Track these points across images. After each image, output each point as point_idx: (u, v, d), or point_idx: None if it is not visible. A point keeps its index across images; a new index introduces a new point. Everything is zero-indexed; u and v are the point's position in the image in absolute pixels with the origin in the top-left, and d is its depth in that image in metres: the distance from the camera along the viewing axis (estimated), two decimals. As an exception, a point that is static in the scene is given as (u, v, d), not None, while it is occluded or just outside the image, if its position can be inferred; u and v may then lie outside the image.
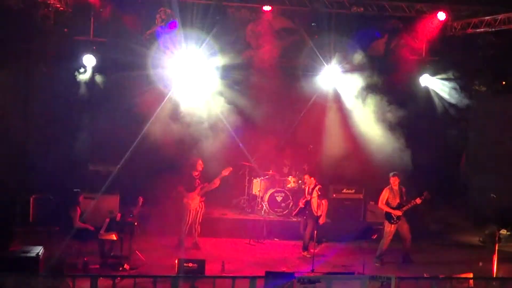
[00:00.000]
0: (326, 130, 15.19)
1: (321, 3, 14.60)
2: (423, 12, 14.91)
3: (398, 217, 12.29)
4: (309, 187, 12.85)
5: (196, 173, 12.89)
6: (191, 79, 14.84)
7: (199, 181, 12.86)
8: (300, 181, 14.93)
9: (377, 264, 12.29)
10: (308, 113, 15.20)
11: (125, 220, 11.66)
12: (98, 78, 14.57)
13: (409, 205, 12.29)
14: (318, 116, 15.14)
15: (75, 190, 11.93)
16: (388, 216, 12.37)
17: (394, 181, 12.41)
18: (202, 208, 12.92)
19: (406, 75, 15.23)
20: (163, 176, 13.37)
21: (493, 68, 15.59)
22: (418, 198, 12.23)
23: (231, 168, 12.97)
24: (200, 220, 12.94)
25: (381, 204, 12.49)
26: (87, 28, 14.35)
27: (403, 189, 12.49)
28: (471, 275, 10.39)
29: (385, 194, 12.45)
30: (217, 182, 12.88)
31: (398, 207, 12.30)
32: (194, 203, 12.79)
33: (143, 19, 14.60)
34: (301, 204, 12.98)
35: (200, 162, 12.91)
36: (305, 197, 12.88)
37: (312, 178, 12.84)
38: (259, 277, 8.68)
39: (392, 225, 12.32)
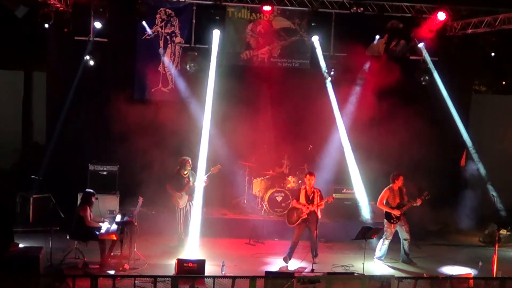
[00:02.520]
0: (327, 130, 15.17)
1: (321, 3, 14.61)
2: (423, 12, 14.91)
3: (398, 217, 12.30)
4: (309, 192, 12.17)
5: (186, 172, 12.91)
6: (192, 79, 14.85)
7: (187, 180, 12.88)
8: (300, 181, 14.92)
9: (377, 263, 12.29)
10: (308, 113, 15.20)
11: (125, 220, 11.67)
12: (98, 78, 14.55)
13: (409, 205, 12.29)
14: (318, 116, 15.13)
15: (87, 190, 11.94)
16: (388, 216, 12.37)
17: (398, 181, 12.38)
18: (192, 207, 12.92)
19: (406, 75, 15.21)
20: (163, 176, 13.38)
21: (493, 68, 15.58)
22: (419, 199, 12.21)
23: (219, 166, 12.98)
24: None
25: (380, 203, 12.48)
26: (87, 28, 14.35)
27: (404, 189, 12.48)
28: (471, 275, 10.40)
29: (384, 194, 12.44)
30: (206, 180, 12.89)
31: (397, 207, 12.31)
32: (183, 201, 12.83)
33: (143, 19, 14.58)
34: (304, 215, 12.08)
35: (189, 162, 12.93)
36: (307, 206, 12.04)
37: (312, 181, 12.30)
38: (259, 277, 8.68)
39: (392, 225, 12.32)
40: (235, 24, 15.16)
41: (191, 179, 12.93)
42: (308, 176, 12.27)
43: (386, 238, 12.37)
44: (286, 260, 12.04)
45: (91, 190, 11.93)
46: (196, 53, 14.62)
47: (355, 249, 12.73)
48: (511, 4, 13.75)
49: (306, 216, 12.02)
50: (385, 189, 12.49)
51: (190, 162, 12.95)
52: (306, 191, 12.18)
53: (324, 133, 15.12)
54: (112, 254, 11.49)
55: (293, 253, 12.09)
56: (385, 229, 12.39)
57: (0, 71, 16.21)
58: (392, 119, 14.90)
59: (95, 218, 11.89)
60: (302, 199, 12.15)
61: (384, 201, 12.41)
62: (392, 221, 12.30)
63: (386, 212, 12.40)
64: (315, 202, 12.00)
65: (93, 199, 11.86)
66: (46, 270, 10.49)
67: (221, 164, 13.16)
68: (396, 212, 12.25)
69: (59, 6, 13.49)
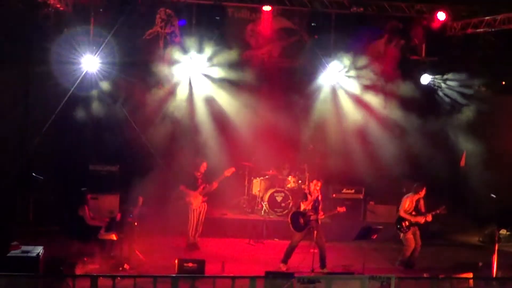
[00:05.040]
0: (327, 130, 15.18)
1: (321, 3, 14.61)
2: (423, 12, 14.92)
3: (408, 227, 12.10)
4: (313, 194, 11.89)
5: (199, 174, 12.92)
6: (192, 80, 14.86)
7: (201, 181, 12.89)
8: (300, 181, 14.92)
9: (404, 268, 12.14)
10: (308, 113, 15.20)
11: (125, 220, 11.67)
12: (99, 78, 14.54)
13: (420, 218, 12.09)
14: (318, 116, 15.14)
15: (82, 189, 11.94)
16: (399, 224, 12.14)
17: (422, 192, 12.13)
18: (204, 208, 12.96)
19: (406, 75, 15.22)
20: (163, 176, 13.39)
21: (493, 68, 15.58)
22: (429, 214, 12.02)
23: (233, 169, 12.99)
24: (202, 221, 12.96)
25: (402, 212, 12.12)
26: (87, 28, 14.34)
27: (422, 201, 12.24)
28: (471, 275, 10.40)
29: (404, 203, 12.15)
30: (218, 182, 12.91)
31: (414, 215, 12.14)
32: (197, 202, 12.83)
33: (143, 19, 14.59)
34: (313, 223, 11.69)
35: (204, 164, 12.95)
36: (311, 211, 11.74)
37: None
38: (259, 277, 8.68)
39: (401, 234, 12.12)
40: (235, 24, 15.17)
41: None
42: (315, 181, 11.86)
43: (406, 245, 12.13)
44: (283, 264, 11.80)
45: (85, 189, 11.93)
46: (195, 53, 14.64)
47: (355, 249, 12.72)
48: (511, 4, 13.75)
49: (315, 224, 11.69)
50: (406, 197, 12.23)
51: (205, 165, 12.94)
52: (313, 200, 11.75)
53: (324, 133, 15.12)
54: (112, 254, 11.49)
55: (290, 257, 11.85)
56: (402, 236, 12.18)
57: (-1, 71, 16.26)
58: (391, 118, 14.92)
59: (95, 216, 11.89)
60: (309, 206, 11.78)
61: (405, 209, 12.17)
62: (401, 230, 12.09)
63: (397, 220, 12.21)
64: (320, 211, 11.75)
65: (90, 198, 11.85)
66: (46, 270, 10.48)
67: (220, 164, 13.16)
68: (420, 220, 12.02)
69: (59, 6, 13.48)
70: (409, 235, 12.13)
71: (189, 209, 12.83)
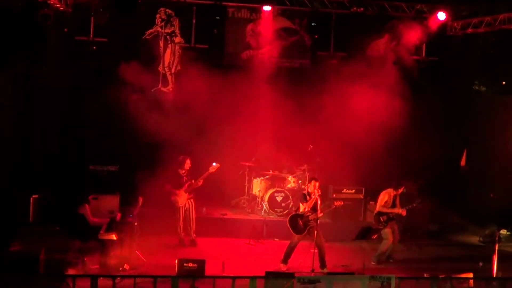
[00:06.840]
0: (327, 130, 15.17)
1: (321, 3, 14.62)
2: (423, 12, 14.93)
3: (386, 221, 12.21)
4: (313, 194, 11.72)
5: (183, 171, 12.93)
6: (191, 79, 14.86)
7: (186, 178, 12.90)
8: (300, 181, 14.92)
9: (373, 263, 12.20)
10: (308, 113, 15.19)
11: (125, 220, 11.67)
12: (98, 78, 14.55)
13: (395, 212, 12.23)
14: (318, 116, 15.13)
15: (85, 189, 11.95)
16: (377, 219, 12.28)
17: (400, 189, 12.34)
18: (192, 205, 12.96)
19: (406, 75, 15.22)
20: (163, 176, 13.38)
21: (493, 68, 15.60)
22: (403, 210, 12.20)
23: (218, 165, 12.97)
24: (194, 218, 12.97)
25: (379, 207, 12.35)
26: (87, 28, 14.35)
27: (398, 196, 12.41)
28: (471, 275, 10.40)
29: (383, 198, 12.35)
30: (200, 180, 12.90)
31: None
32: (182, 200, 12.85)
33: (143, 19, 14.60)
34: (313, 223, 11.58)
35: (188, 161, 12.95)
36: (311, 212, 11.65)
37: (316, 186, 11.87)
38: (259, 277, 8.67)
39: (386, 227, 12.23)
40: (235, 24, 15.17)
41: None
42: (313, 182, 11.77)
43: (386, 239, 12.25)
44: (283, 265, 11.74)
45: (88, 190, 11.95)
46: (195, 53, 14.67)
47: (355, 249, 12.74)
48: (511, 4, 13.77)
49: (314, 224, 11.62)
50: (385, 192, 12.42)
51: (189, 162, 12.96)
52: (314, 200, 11.65)
53: (324, 133, 15.12)
54: (112, 254, 11.49)
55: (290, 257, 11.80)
56: (382, 230, 12.32)
57: None
58: (392, 119, 14.91)
59: (95, 216, 11.90)
60: (309, 206, 11.70)
61: (382, 204, 12.34)
62: (379, 224, 12.21)
63: (375, 215, 12.34)
64: (319, 209, 11.69)
65: (91, 198, 11.86)
66: (46, 270, 10.48)
67: (221, 164, 13.15)
68: (398, 211, 12.20)
69: (59, 6, 13.50)
70: (388, 229, 12.23)
71: (174, 207, 12.86)
